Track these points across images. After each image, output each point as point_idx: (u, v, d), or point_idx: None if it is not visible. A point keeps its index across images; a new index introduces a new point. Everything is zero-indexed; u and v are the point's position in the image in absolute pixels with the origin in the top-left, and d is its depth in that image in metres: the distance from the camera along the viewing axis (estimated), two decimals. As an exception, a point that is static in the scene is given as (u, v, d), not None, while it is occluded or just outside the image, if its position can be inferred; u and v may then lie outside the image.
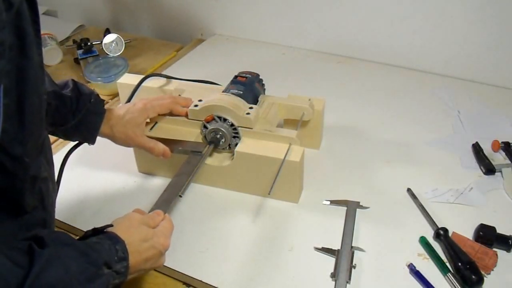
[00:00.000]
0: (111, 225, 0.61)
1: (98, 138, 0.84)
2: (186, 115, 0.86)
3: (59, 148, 1.02)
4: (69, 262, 0.50)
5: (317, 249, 0.76)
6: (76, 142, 0.86)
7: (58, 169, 0.83)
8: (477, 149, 0.93)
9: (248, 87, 0.87)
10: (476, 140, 0.95)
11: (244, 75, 0.90)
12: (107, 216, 0.84)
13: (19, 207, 0.57)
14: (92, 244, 0.55)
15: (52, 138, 0.95)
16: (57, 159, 0.96)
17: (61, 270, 0.49)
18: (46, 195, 0.63)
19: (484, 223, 0.76)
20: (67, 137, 0.84)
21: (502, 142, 0.94)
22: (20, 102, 0.50)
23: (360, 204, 0.83)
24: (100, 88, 1.22)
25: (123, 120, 0.83)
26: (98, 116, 0.82)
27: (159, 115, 0.87)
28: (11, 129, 0.49)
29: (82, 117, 0.80)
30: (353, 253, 0.75)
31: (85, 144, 0.85)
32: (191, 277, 0.73)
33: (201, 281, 0.72)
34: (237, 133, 0.84)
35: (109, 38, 1.30)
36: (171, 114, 0.88)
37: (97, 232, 0.59)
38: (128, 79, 1.02)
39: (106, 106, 0.85)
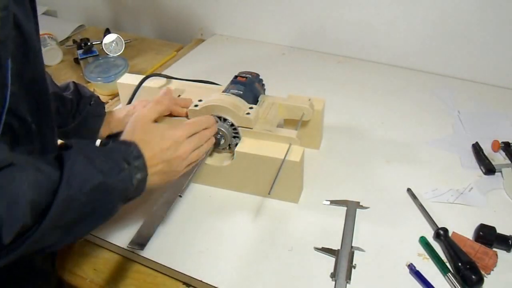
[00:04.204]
0: (121, 132, 0.68)
1: (98, 140, 0.84)
2: (186, 115, 0.86)
3: (59, 148, 1.02)
4: (93, 156, 0.56)
5: (317, 249, 0.76)
6: None
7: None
8: (477, 149, 0.93)
9: (248, 87, 0.87)
10: (476, 140, 0.95)
11: (244, 75, 0.90)
12: (107, 216, 0.84)
13: None
14: (109, 146, 0.62)
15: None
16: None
17: (87, 164, 0.54)
18: None
19: (484, 223, 0.76)
20: (67, 138, 0.84)
21: (502, 142, 0.94)
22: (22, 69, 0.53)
23: (360, 204, 0.83)
24: (100, 88, 1.22)
25: (123, 123, 0.83)
26: (98, 118, 0.82)
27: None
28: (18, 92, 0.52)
29: (82, 120, 0.80)
30: (353, 253, 0.75)
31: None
32: (191, 277, 0.73)
33: (201, 281, 0.72)
34: (237, 133, 0.84)
35: (109, 38, 1.30)
36: (171, 115, 0.88)
37: (110, 139, 0.65)
38: (128, 79, 1.02)
39: (106, 107, 0.85)
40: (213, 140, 0.79)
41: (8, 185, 0.45)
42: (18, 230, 0.46)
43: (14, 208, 0.45)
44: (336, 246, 0.76)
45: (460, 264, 0.70)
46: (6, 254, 0.47)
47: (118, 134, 0.65)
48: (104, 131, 0.83)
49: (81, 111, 0.80)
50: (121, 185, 0.58)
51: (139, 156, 0.62)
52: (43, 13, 1.68)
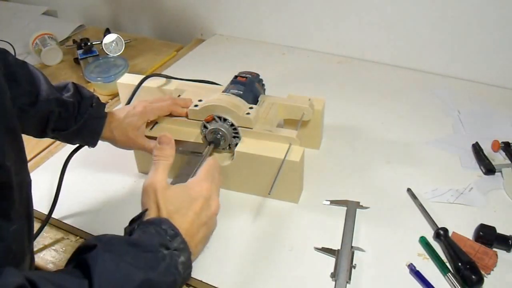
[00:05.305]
0: (145, 211, 0.56)
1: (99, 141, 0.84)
2: (186, 116, 0.87)
3: (60, 148, 1.02)
4: (124, 251, 0.47)
5: (317, 249, 0.76)
6: (77, 145, 0.86)
7: (59, 171, 0.83)
8: (477, 149, 0.93)
9: (248, 87, 0.87)
10: (476, 140, 0.95)
11: (244, 75, 0.90)
12: (107, 216, 0.84)
13: (8, 218, 0.54)
14: (139, 236, 0.51)
15: (49, 140, 0.95)
16: (57, 160, 0.97)
17: (120, 262, 0.45)
18: (31, 200, 0.62)
19: (484, 223, 0.76)
20: (68, 140, 0.84)
21: (502, 142, 0.94)
22: None
23: (360, 204, 0.83)
24: (100, 88, 1.22)
25: (123, 123, 0.83)
26: (100, 120, 0.82)
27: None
28: None
29: (84, 122, 0.80)
30: (353, 253, 0.75)
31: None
32: (191, 277, 0.73)
33: (201, 281, 0.72)
34: (237, 133, 0.84)
35: (109, 38, 1.30)
36: (171, 115, 0.88)
37: (134, 223, 0.54)
38: (128, 79, 1.02)
39: (106, 107, 0.85)
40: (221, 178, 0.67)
41: None
42: None
43: None
44: (336, 246, 0.76)
45: (460, 264, 0.70)
46: None
47: (141, 215, 0.55)
48: (105, 132, 0.83)
49: (83, 114, 0.80)
50: (168, 279, 0.48)
51: (176, 234, 0.51)
52: (43, 13, 1.68)
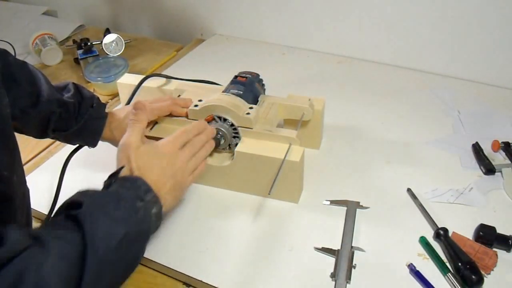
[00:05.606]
0: (122, 167, 0.64)
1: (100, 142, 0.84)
2: (186, 116, 0.87)
3: (60, 148, 1.02)
4: (108, 208, 0.54)
5: (317, 249, 0.76)
6: (77, 145, 0.86)
7: (59, 171, 0.83)
8: (477, 149, 0.93)
9: (248, 87, 0.87)
10: (476, 140, 0.95)
11: (244, 75, 0.90)
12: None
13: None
14: (117, 189, 0.59)
15: (49, 140, 0.95)
16: (57, 160, 0.96)
17: (106, 218, 0.52)
18: (30, 208, 0.62)
19: (484, 223, 0.76)
20: (68, 141, 0.84)
21: (502, 142, 0.94)
22: None
23: (360, 204, 0.83)
24: (100, 88, 1.22)
25: (123, 123, 0.83)
26: (100, 120, 0.82)
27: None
28: None
29: (84, 122, 0.80)
30: (353, 253, 0.75)
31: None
32: (191, 277, 0.73)
33: (201, 281, 0.72)
34: (237, 133, 0.84)
35: (109, 38, 1.30)
36: (171, 115, 0.88)
37: (113, 178, 0.62)
38: (128, 79, 1.02)
39: (106, 107, 0.85)
40: (211, 143, 0.76)
41: (31, 268, 0.43)
42: None
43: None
44: (336, 246, 0.76)
45: (460, 264, 0.70)
46: None
47: (117, 171, 0.63)
48: (105, 132, 0.83)
49: (83, 114, 0.80)
50: (143, 227, 0.56)
51: (148, 189, 0.60)
52: (43, 13, 1.68)
